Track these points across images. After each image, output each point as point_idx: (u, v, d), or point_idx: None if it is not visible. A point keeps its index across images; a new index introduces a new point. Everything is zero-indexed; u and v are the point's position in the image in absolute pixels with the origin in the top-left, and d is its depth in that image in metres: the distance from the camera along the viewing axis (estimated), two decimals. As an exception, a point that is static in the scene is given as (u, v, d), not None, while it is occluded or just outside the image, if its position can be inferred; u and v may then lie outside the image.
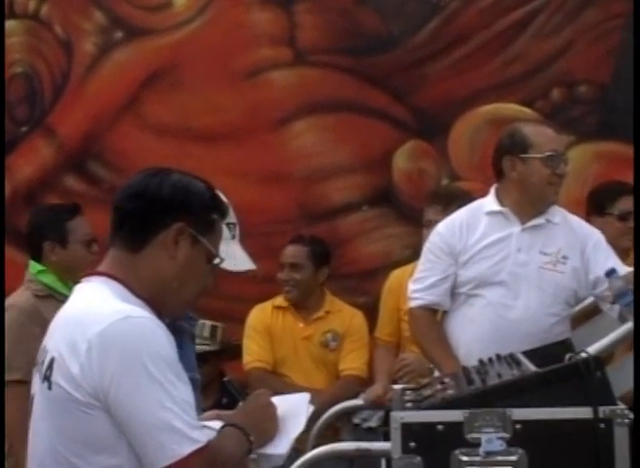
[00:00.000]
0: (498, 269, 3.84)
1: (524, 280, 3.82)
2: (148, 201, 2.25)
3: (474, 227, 3.91)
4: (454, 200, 4.53)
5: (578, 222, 3.99)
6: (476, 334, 3.83)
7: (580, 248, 3.86)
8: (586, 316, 4.05)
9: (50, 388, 2.17)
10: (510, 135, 3.96)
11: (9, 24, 5.66)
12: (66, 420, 2.13)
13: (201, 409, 3.07)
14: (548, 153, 3.86)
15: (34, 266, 4.17)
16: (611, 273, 3.54)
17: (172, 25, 5.61)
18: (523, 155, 3.88)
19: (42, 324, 3.92)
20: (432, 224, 4.37)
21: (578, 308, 4.01)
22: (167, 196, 2.25)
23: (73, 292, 2.30)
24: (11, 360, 3.91)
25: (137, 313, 2.16)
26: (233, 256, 3.06)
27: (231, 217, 3.09)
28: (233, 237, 3.12)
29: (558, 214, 3.94)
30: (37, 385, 2.23)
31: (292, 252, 4.96)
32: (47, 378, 2.18)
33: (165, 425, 2.08)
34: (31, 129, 5.65)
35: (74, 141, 5.61)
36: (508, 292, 3.83)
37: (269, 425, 2.34)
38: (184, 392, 2.12)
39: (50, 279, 4.14)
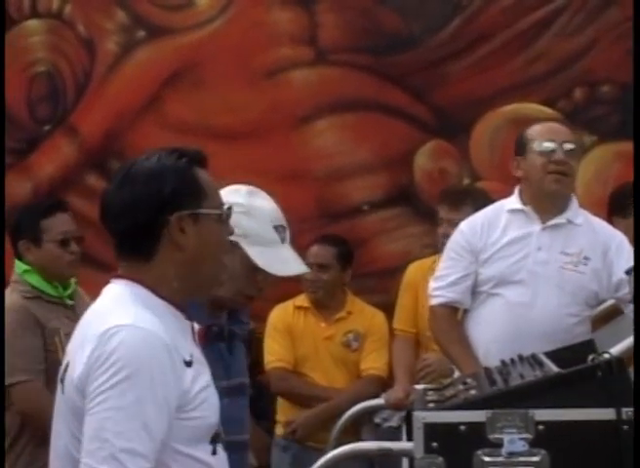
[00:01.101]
0: (517, 268, 3.84)
1: (544, 279, 3.81)
2: (131, 217, 2.15)
3: (495, 225, 3.91)
4: (464, 198, 4.56)
5: (600, 224, 3.98)
6: (495, 334, 3.82)
7: (602, 250, 3.85)
8: (609, 317, 4.05)
9: (63, 392, 2.18)
10: (517, 137, 3.99)
11: (32, 23, 5.68)
12: (76, 424, 2.12)
13: (248, 418, 3.09)
14: (544, 143, 3.87)
15: (19, 266, 4.12)
16: (631, 271, 3.54)
17: (193, 25, 5.62)
18: (524, 153, 3.89)
19: (34, 324, 3.97)
20: (443, 222, 4.52)
21: (599, 309, 4.00)
22: (146, 199, 2.14)
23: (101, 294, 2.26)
24: (11, 363, 3.87)
25: (143, 323, 2.10)
26: (285, 261, 2.93)
27: (280, 221, 2.96)
28: (283, 241, 2.94)
29: (581, 215, 3.93)
30: (58, 387, 2.23)
31: (319, 252, 4.95)
32: (62, 381, 2.19)
33: (103, 437, 2.02)
34: (53, 127, 5.67)
35: (96, 140, 5.63)
36: (527, 292, 3.82)
37: None
38: (152, 416, 2.04)
39: (35, 279, 4.09)
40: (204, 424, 2.16)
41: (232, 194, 2.89)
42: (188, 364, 2.14)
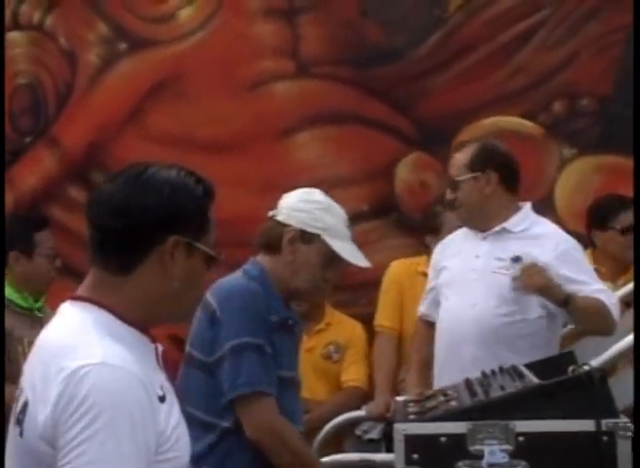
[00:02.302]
0: (455, 276, 3.98)
1: (478, 283, 3.91)
2: (134, 217, 1.95)
3: (453, 241, 4.11)
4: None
5: (551, 231, 4.01)
6: (439, 342, 3.95)
7: (542, 255, 3.87)
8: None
9: (21, 435, 1.94)
10: None
11: (13, 36, 5.68)
12: None
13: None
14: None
15: None
16: (517, 260, 3.75)
17: (176, 37, 5.62)
18: None
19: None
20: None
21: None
22: (155, 207, 1.95)
23: (56, 315, 2.04)
24: None
25: (115, 359, 1.88)
26: (357, 254, 3.23)
27: (347, 219, 3.26)
28: (351, 237, 3.26)
29: (524, 223, 3.97)
30: (11, 425, 1.99)
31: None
32: (19, 423, 1.95)
33: None
34: (35, 139, 5.66)
35: (78, 152, 5.62)
36: (462, 297, 3.92)
37: None
38: (133, 465, 1.85)
39: (7, 290, 4.11)
40: (178, 465, 1.98)
41: (310, 194, 3.25)
42: (162, 399, 1.95)
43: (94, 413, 1.84)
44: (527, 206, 4.00)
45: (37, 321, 4.10)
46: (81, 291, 2.02)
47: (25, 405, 1.94)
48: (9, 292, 4.13)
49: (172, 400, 2.00)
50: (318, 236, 3.18)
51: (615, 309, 3.76)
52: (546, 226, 4.01)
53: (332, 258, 3.18)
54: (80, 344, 1.92)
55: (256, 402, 3.06)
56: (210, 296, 3.14)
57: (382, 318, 4.84)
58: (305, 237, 3.19)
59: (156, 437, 1.91)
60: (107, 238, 1.98)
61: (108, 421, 1.84)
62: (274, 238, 3.23)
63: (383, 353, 4.78)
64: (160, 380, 1.99)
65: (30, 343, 3.87)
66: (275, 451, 3.05)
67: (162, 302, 2.01)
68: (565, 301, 3.74)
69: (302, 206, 3.23)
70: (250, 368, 3.06)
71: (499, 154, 4.01)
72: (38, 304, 4.15)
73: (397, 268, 4.87)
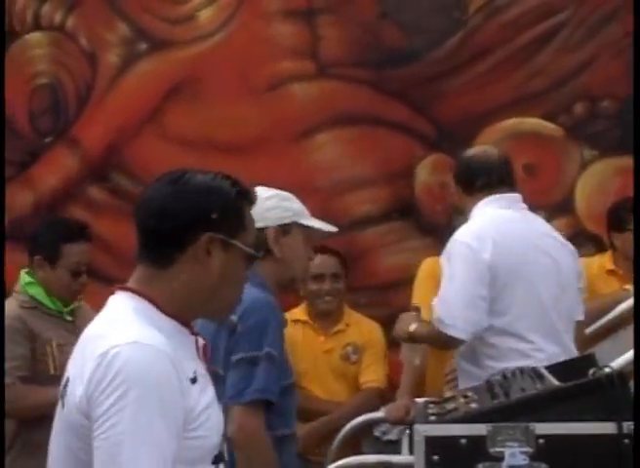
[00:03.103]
0: None
1: None
2: (170, 219, 2.12)
3: None
4: None
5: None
6: None
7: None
8: (610, 330, 4.06)
9: (63, 407, 2.13)
10: None
11: (34, 36, 5.70)
12: (74, 443, 2.09)
13: None
14: None
15: (24, 277, 4.18)
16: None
17: (195, 38, 5.63)
18: None
19: (26, 333, 4.01)
20: None
21: (601, 323, 4.02)
22: (189, 209, 2.13)
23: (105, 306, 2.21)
24: None
25: (147, 339, 2.05)
26: (323, 225, 3.49)
27: None
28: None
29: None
30: (59, 401, 2.17)
31: (330, 262, 4.93)
32: (62, 397, 2.14)
33: (118, 461, 1.97)
34: (55, 139, 5.68)
35: (97, 152, 5.63)
36: None
37: None
38: (164, 438, 2.00)
39: (36, 291, 4.15)
40: (206, 444, 2.11)
41: (264, 192, 3.41)
42: (193, 380, 2.09)
43: (123, 389, 1.99)
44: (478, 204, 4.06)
45: (67, 323, 4.11)
46: (129, 282, 2.18)
47: (67, 381, 2.12)
48: (39, 293, 4.15)
49: (205, 384, 2.13)
50: (293, 223, 3.41)
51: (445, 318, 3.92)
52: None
53: (307, 237, 3.45)
54: (117, 327, 2.09)
55: (258, 409, 3.16)
56: None
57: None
58: (284, 229, 3.41)
59: (184, 413, 2.04)
60: (148, 237, 2.16)
61: (138, 396, 1.99)
62: (260, 243, 3.16)
63: (417, 349, 4.66)
64: (194, 367, 2.12)
65: (59, 345, 3.93)
66: (248, 461, 3.12)
67: (199, 297, 2.15)
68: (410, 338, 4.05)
69: (268, 204, 3.41)
70: (265, 376, 3.18)
71: (458, 165, 4.21)
72: (68, 308, 4.17)
73: (432, 265, 4.77)
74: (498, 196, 4.03)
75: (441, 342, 3.99)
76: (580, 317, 4.04)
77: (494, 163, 4.09)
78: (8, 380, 3.95)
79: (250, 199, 2.23)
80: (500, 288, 3.88)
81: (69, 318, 4.14)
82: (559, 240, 4.07)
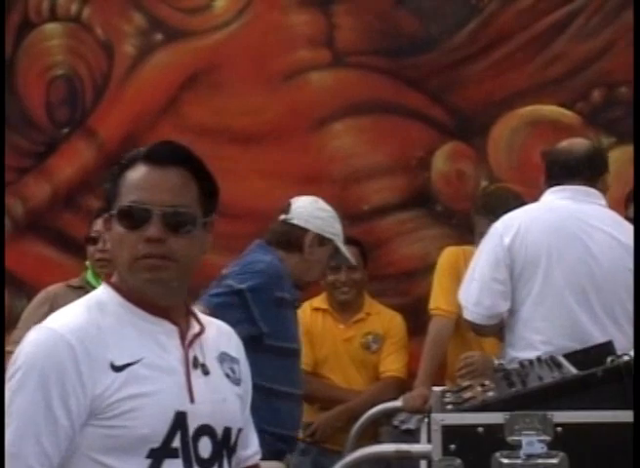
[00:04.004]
0: None
1: None
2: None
3: None
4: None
5: None
6: None
7: None
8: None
9: None
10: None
11: (51, 27, 5.70)
12: None
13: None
14: None
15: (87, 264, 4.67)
16: None
17: (210, 27, 5.63)
18: None
19: (51, 310, 4.13)
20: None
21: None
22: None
23: None
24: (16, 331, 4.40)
25: (55, 324, 2.04)
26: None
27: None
28: None
29: None
30: None
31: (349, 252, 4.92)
32: None
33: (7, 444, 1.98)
34: (72, 130, 5.68)
35: (114, 143, 5.64)
36: None
37: None
38: (41, 419, 1.97)
39: (89, 274, 4.63)
40: (129, 435, 2.00)
41: (319, 202, 4.04)
42: (117, 368, 2.02)
43: (14, 369, 2.03)
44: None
45: None
46: None
47: None
48: (90, 275, 4.62)
49: (148, 375, 2.03)
50: (331, 240, 3.95)
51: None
52: None
53: (331, 257, 4.03)
54: (58, 313, 2.10)
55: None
56: None
57: (441, 301, 4.61)
58: (322, 241, 3.94)
59: (89, 399, 1.99)
60: None
61: (21, 376, 2.00)
62: (294, 239, 3.92)
63: (437, 339, 4.60)
64: (145, 354, 2.04)
65: None
66: None
67: (122, 274, 2.11)
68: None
69: (319, 214, 3.97)
70: (221, 299, 3.72)
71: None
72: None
73: (452, 254, 4.73)
74: (561, 187, 3.98)
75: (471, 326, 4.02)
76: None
77: (569, 156, 4.04)
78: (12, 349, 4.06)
79: (135, 158, 2.15)
80: (518, 275, 3.86)
81: None
82: (616, 238, 3.93)
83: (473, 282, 3.91)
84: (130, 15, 5.65)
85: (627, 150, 5.33)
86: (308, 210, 4.00)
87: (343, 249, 4.01)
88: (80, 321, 2.05)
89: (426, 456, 2.90)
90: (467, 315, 3.91)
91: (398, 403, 4.53)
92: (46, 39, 5.70)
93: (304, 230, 3.92)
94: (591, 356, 3.08)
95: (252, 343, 3.48)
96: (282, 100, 5.55)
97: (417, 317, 4.98)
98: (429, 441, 2.81)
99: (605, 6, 5.41)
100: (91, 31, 5.68)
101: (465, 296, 3.92)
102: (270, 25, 5.58)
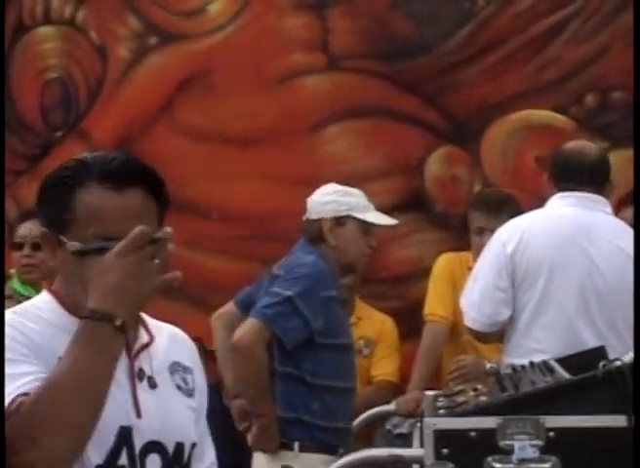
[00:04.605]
0: None
1: None
2: None
3: None
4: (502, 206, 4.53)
5: None
6: None
7: None
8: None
9: None
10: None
11: (45, 30, 5.70)
12: None
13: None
14: None
15: None
16: None
17: (206, 31, 5.63)
18: None
19: None
20: (485, 231, 4.42)
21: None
22: None
23: None
24: None
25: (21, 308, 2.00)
26: (382, 217, 4.28)
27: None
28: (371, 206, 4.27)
29: None
30: None
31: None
32: None
33: None
34: (66, 133, 5.68)
35: (108, 146, 5.63)
36: None
37: (127, 283, 1.86)
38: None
39: (13, 281, 4.52)
40: None
41: (327, 187, 4.21)
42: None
43: None
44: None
45: None
46: None
47: None
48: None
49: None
50: (348, 216, 4.05)
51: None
52: None
53: (367, 228, 4.10)
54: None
55: (257, 326, 3.84)
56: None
57: (436, 307, 4.63)
58: (340, 221, 4.06)
59: None
60: None
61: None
62: (315, 233, 4.08)
63: (433, 345, 4.61)
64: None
65: None
66: (235, 364, 3.91)
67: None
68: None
69: (327, 198, 4.09)
70: (275, 310, 3.87)
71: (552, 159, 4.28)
72: None
73: (447, 260, 4.75)
74: (569, 193, 3.96)
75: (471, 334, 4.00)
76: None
77: (581, 161, 4.03)
78: None
79: (84, 177, 1.99)
80: (519, 283, 3.84)
81: None
82: (620, 247, 3.88)
83: (475, 289, 3.88)
84: (124, 18, 5.65)
85: (621, 155, 5.33)
86: (316, 200, 4.19)
87: (365, 216, 4.09)
88: (13, 332, 1.92)
89: (419, 461, 2.90)
90: (469, 322, 3.87)
91: (391, 406, 4.54)
92: (40, 42, 5.69)
93: (319, 221, 4.09)
94: (584, 361, 3.08)
95: (305, 344, 3.84)
96: (277, 104, 5.55)
97: (411, 320, 4.98)
98: (422, 445, 2.81)
99: (599, 10, 5.42)
100: (85, 34, 5.67)
101: (467, 303, 3.89)
102: (265, 29, 5.59)
